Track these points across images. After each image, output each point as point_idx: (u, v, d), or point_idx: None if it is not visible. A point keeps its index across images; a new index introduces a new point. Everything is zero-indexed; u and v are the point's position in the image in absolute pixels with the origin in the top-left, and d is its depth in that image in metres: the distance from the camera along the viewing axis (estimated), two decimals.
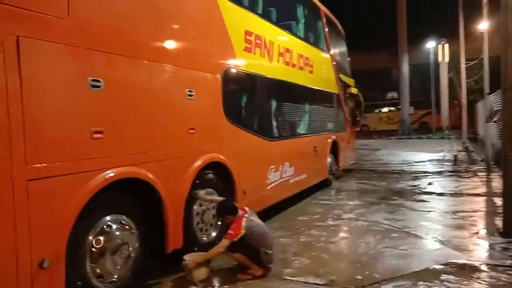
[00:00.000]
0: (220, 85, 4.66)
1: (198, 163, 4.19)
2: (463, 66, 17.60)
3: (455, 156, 12.92)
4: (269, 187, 5.93)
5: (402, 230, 5.46)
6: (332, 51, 9.34)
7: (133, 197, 3.51)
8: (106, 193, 3.12)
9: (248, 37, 5.35)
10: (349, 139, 10.88)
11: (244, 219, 3.95)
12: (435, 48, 28.67)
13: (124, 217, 3.39)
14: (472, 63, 20.65)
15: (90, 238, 3.09)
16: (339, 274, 4.05)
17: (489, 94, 11.25)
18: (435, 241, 4.96)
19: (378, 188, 8.80)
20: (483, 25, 11.90)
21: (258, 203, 5.58)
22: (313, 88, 7.96)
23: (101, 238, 3.16)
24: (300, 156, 7.20)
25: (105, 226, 3.20)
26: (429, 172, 10.98)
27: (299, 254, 4.59)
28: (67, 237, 2.78)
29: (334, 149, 9.44)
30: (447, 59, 25.99)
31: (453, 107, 31.74)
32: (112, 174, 3.14)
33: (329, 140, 9.02)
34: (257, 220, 4.12)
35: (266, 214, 5.97)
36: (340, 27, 10.44)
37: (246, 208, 4.15)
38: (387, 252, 4.58)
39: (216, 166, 4.63)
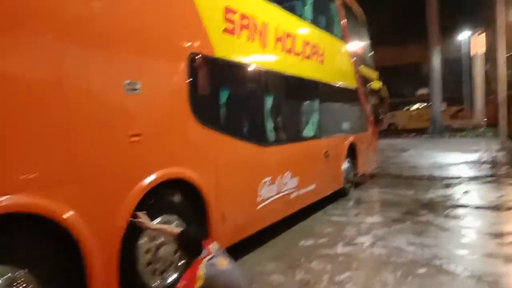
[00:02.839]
0: (186, 76, 3.52)
1: (145, 182, 3.07)
2: (501, 56, 15.85)
3: (494, 158, 11.34)
4: (261, 205, 4.75)
5: (431, 262, 4.20)
6: (349, 38, 8.05)
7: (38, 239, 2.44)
8: None
9: (230, 15, 4.19)
10: (371, 141, 9.54)
11: (202, 265, 2.79)
12: (468, 40, 26.67)
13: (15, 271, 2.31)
14: None
15: None
16: None
17: None
18: (477, 282, 3.68)
19: (404, 199, 7.47)
20: None
21: (245, 228, 4.45)
22: (323, 82, 6.71)
23: None
24: (306, 164, 5.98)
25: None
26: (464, 178, 9.50)
27: None
28: None
29: (352, 153, 8.16)
30: (482, 50, 24.01)
31: (488, 103, 29.63)
32: None
33: (345, 143, 7.75)
34: (224, 263, 2.95)
35: (258, 238, 4.83)
36: (359, 10, 9.11)
37: (211, 246, 3.00)
38: None
39: (182, 184, 3.51)
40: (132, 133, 2.98)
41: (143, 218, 3.00)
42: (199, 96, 3.70)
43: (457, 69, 29.34)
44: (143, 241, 3.15)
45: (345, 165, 7.73)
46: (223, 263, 2.94)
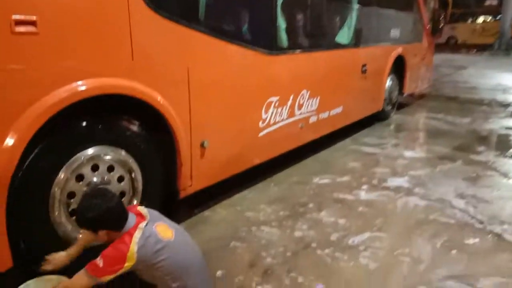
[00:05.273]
0: None
1: (49, 98, 1.97)
2: None
3: None
4: (265, 131, 3.61)
5: (486, 228, 3.03)
6: None
7: None
8: None
9: None
10: (425, 54, 7.82)
11: (134, 237, 1.78)
12: None
13: None
14: None
15: None
16: None
17: None
18: None
19: (457, 129, 6.06)
20: None
21: (238, 160, 3.38)
22: None
23: None
24: (333, 80, 4.65)
25: None
26: None
27: (276, 276, 2.42)
28: None
29: (399, 67, 6.64)
30: None
31: None
32: None
33: (391, 55, 6.21)
34: (168, 232, 1.92)
35: (257, 172, 3.80)
36: None
37: (143, 210, 1.96)
38: None
39: (136, 105, 2.43)
40: (16, 18, 1.82)
41: None
42: None
43: None
44: (58, 188, 2.15)
45: (388, 82, 6.30)
46: (167, 232, 1.92)
